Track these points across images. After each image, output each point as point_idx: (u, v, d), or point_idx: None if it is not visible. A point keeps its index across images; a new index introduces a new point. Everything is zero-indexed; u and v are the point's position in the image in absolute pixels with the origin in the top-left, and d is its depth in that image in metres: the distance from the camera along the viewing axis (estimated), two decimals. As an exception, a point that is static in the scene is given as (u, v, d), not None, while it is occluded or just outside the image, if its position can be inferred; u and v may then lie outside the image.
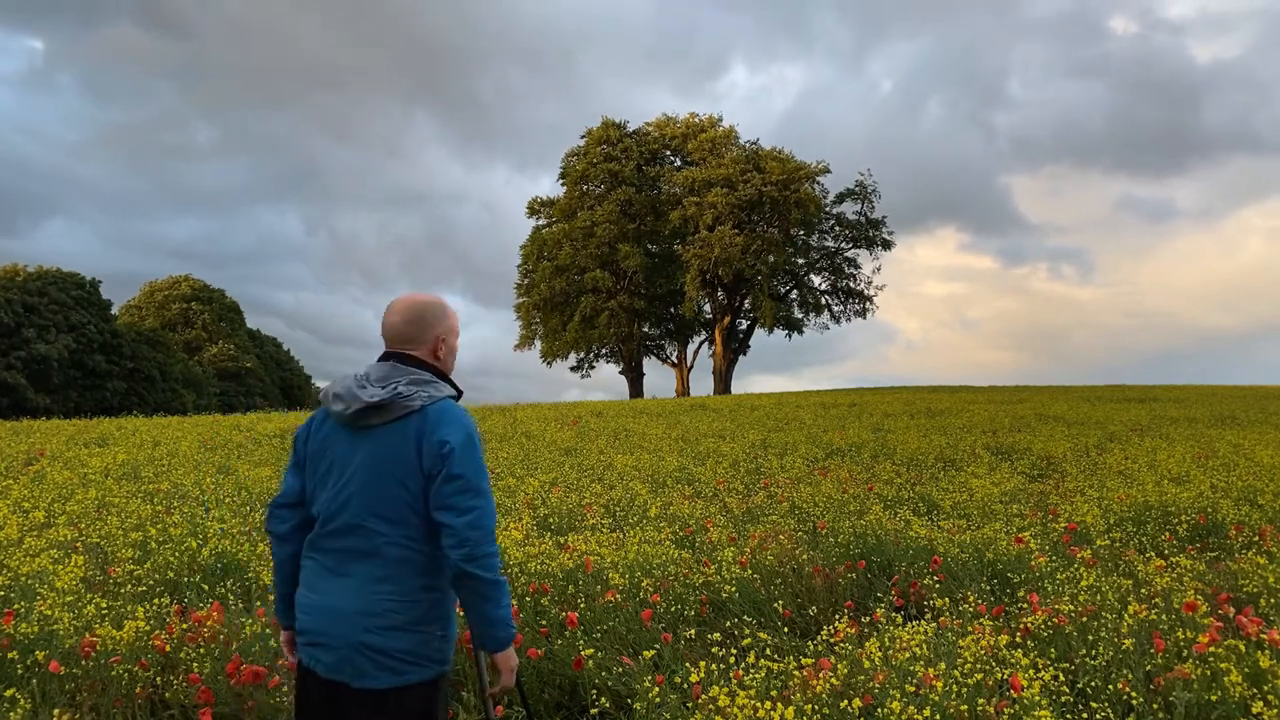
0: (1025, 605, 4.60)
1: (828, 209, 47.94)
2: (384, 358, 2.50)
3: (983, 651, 3.71)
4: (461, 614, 2.48)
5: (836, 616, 4.76)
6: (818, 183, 46.93)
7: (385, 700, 2.34)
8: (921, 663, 3.68)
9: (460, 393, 2.56)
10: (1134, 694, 3.55)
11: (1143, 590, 4.88)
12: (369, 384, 2.40)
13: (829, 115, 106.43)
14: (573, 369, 49.94)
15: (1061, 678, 3.60)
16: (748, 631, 4.53)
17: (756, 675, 3.61)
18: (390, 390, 2.37)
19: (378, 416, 2.37)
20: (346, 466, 2.40)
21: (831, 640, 4.15)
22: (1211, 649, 3.68)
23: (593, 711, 3.83)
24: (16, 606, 4.54)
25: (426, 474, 2.34)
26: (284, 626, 2.65)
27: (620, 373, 50.03)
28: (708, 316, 49.02)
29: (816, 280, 49.95)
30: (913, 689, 3.44)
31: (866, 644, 3.87)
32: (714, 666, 3.82)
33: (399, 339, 2.50)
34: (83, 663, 3.93)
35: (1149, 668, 3.81)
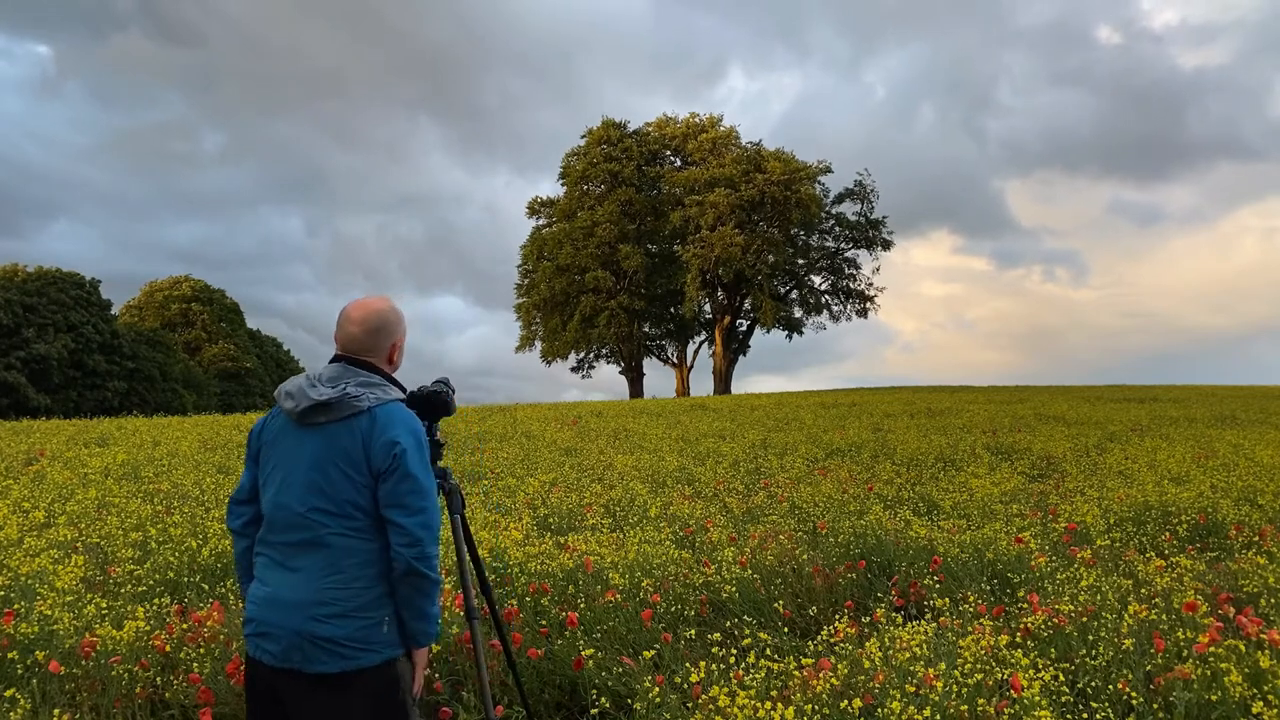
0: (1025, 605, 4.60)
1: (827, 209, 47.97)
2: (336, 359, 2.59)
3: (983, 651, 3.72)
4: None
5: (836, 616, 4.76)
6: (819, 183, 47.00)
7: (339, 683, 2.39)
8: (921, 663, 3.68)
9: (406, 396, 2.64)
10: (1134, 694, 3.55)
11: (1143, 590, 4.88)
12: (319, 384, 2.49)
13: (824, 120, 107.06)
14: (573, 369, 50.03)
15: (1061, 678, 3.60)
16: (748, 631, 4.53)
17: (756, 675, 3.61)
18: (339, 390, 2.46)
19: (325, 414, 2.45)
20: (293, 462, 2.48)
21: (831, 640, 4.15)
22: (1211, 649, 3.68)
23: (593, 711, 3.83)
24: (16, 606, 4.54)
25: (375, 472, 2.43)
26: None
27: (620, 373, 50.09)
28: (708, 316, 49.03)
29: (817, 280, 50.04)
30: (913, 689, 3.44)
31: (866, 644, 3.87)
32: (714, 666, 3.82)
33: (357, 348, 2.58)
34: (83, 663, 3.94)
35: (1149, 668, 3.81)
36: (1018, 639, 4.01)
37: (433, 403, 2.84)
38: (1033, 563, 5.44)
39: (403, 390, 2.62)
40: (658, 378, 76.90)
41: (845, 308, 49.36)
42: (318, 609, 2.38)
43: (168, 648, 4.09)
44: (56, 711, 3.44)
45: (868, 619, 4.79)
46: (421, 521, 2.40)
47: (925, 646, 3.85)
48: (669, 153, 50.05)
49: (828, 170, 46.81)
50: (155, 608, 4.66)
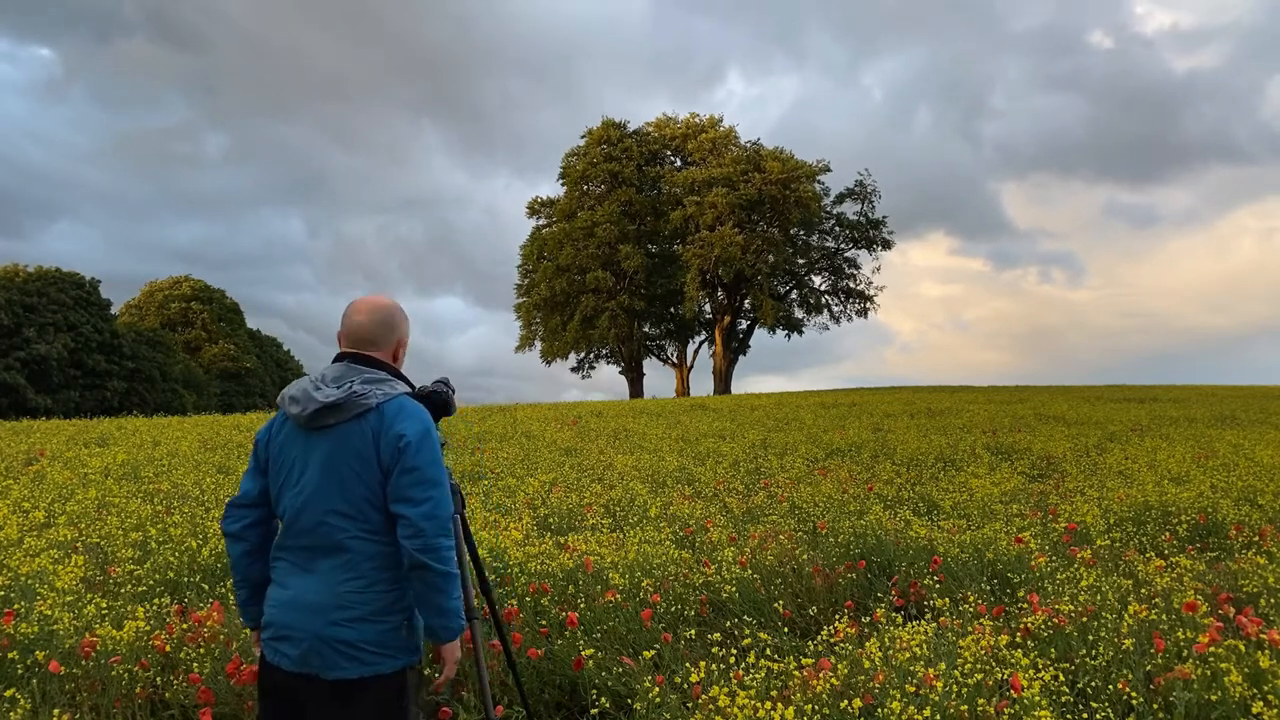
0: (1025, 605, 4.60)
1: (828, 209, 47.98)
2: (340, 358, 2.55)
3: (983, 651, 3.71)
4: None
5: (836, 616, 4.76)
6: (819, 182, 46.99)
7: (355, 690, 2.38)
8: (921, 663, 3.68)
9: (413, 389, 2.59)
10: (1134, 694, 3.55)
11: (1143, 590, 4.88)
12: (324, 385, 2.45)
13: (822, 124, 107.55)
14: (573, 369, 50.04)
15: (1061, 678, 3.60)
16: (748, 631, 4.53)
17: (756, 675, 3.61)
18: (345, 390, 2.42)
19: (334, 416, 2.42)
20: (305, 466, 2.46)
21: (831, 640, 4.15)
22: (1211, 649, 3.68)
23: (593, 711, 3.83)
24: (16, 606, 4.54)
25: (384, 469, 2.40)
26: (248, 626, 2.68)
27: (620, 373, 50.08)
28: (708, 316, 49.02)
29: (817, 280, 50.04)
30: (913, 689, 3.44)
31: (866, 644, 3.87)
32: (714, 666, 3.82)
33: (363, 341, 2.55)
34: (83, 663, 3.93)
35: (1149, 668, 3.81)
36: (1018, 639, 4.01)
37: (433, 402, 2.83)
38: (1033, 563, 5.44)
39: (410, 385, 2.58)
40: (658, 378, 76.98)
41: (845, 308, 49.42)
42: (337, 613, 2.37)
43: (168, 648, 4.09)
44: (56, 711, 3.44)
45: (868, 619, 4.78)
46: (424, 512, 2.35)
47: (925, 646, 3.84)
48: (669, 153, 50.03)
49: (826, 170, 46.84)
50: (155, 608, 4.66)
